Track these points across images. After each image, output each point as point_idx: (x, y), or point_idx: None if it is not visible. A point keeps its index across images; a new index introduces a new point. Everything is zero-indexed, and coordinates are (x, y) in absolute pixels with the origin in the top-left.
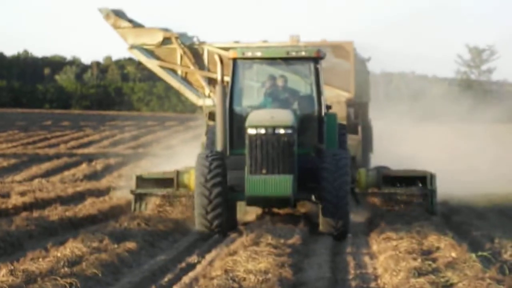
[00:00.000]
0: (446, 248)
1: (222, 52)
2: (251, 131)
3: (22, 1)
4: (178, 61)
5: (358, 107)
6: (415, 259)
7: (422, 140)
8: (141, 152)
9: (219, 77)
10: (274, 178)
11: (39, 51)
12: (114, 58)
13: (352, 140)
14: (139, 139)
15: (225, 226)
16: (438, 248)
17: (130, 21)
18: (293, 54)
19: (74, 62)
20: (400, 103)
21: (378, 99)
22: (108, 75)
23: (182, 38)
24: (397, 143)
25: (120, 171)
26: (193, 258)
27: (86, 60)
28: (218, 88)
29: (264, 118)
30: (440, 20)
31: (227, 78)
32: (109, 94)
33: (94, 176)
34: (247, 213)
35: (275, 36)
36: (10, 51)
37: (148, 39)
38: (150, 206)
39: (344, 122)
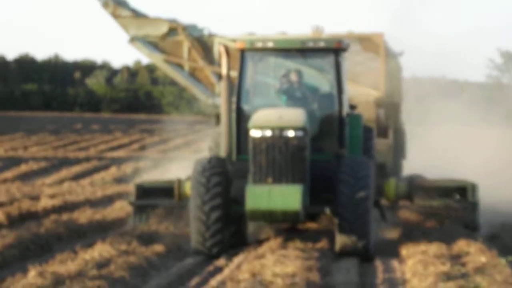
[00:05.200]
0: (476, 252)
1: (231, 44)
2: (255, 133)
3: (53, 5)
4: (185, 55)
5: (389, 108)
6: (444, 263)
7: (462, 146)
8: (171, 155)
9: (224, 71)
10: (281, 189)
11: (69, 55)
12: (144, 62)
13: (382, 145)
14: (168, 143)
15: (225, 250)
16: (467, 253)
17: (132, 10)
18: (310, 45)
19: (105, 66)
20: (433, 108)
21: (410, 103)
22: (138, 79)
23: (190, 29)
24: (434, 149)
25: (149, 175)
26: (220, 262)
27: (116, 64)
28: (222, 83)
29: (270, 118)
30: (471, 23)
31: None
32: (138, 98)
33: (123, 179)
34: (262, 227)
35: (297, 29)
36: (41, 55)
37: (152, 30)
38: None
39: (372, 125)
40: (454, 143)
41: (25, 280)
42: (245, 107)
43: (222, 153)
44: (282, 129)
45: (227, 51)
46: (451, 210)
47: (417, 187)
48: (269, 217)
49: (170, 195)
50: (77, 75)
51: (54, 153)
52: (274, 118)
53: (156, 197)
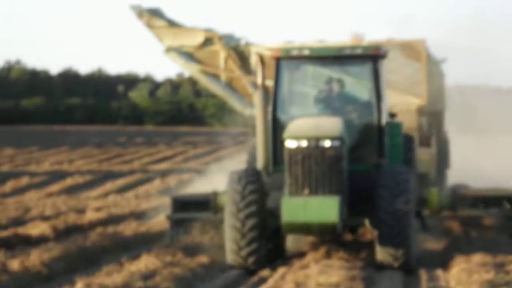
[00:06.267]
0: None
1: (266, 52)
2: (290, 144)
3: (96, 20)
4: (222, 65)
5: (432, 116)
6: (488, 271)
7: (507, 155)
8: (214, 167)
9: (259, 80)
10: (317, 201)
11: (113, 69)
12: (187, 74)
13: (424, 155)
14: (211, 155)
15: (263, 261)
16: None
17: (168, 20)
18: (347, 52)
19: (147, 80)
20: (478, 116)
21: (454, 111)
22: (180, 91)
23: (227, 39)
24: (479, 158)
25: (193, 187)
26: (265, 272)
27: (159, 77)
28: (257, 93)
29: (306, 127)
30: None
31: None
32: (181, 110)
33: (167, 191)
34: (301, 240)
35: (337, 36)
36: (84, 70)
37: (187, 40)
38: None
39: (415, 134)
40: (499, 152)
41: None
42: (282, 117)
43: (258, 165)
44: (318, 139)
45: (262, 60)
46: (496, 220)
47: (460, 197)
48: (306, 230)
49: (207, 208)
50: (120, 88)
51: (99, 167)
52: (310, 127)
53: (193, 210)
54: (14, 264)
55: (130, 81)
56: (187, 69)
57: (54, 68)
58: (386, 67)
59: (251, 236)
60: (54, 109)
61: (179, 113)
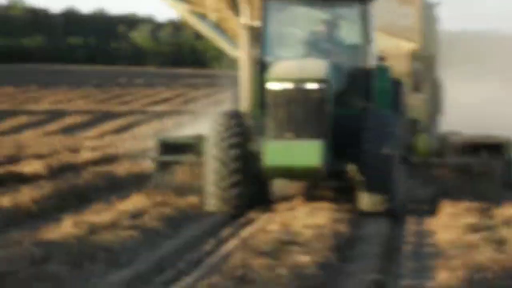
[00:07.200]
0: (506, 205)
1: None
2: (273, 86)
3: None
4: (211, 5)
5: (425, 61)
6: (473, 216)
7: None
8: (212, 110)
9: (244, 20)
10: (301, 144)
11: (114, 9)
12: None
13: (415, 100)
14: (211, 97)
15: (246, 206)
16: (497, 206)
17: None
18: None
19: (149, 20)
20: (479, 65)
21: (459, 58)
22: (182, 33)
23: None
24: (478, 106)
25: (190, 129)
26: (252, 214)
27: (161, 18)
28: (243, 34)
29: (290, 69)
30: None
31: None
32: (183, 51)
33: (164, 133)
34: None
35: None
36: (86, 9)
37: None
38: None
39: (408, 79)
40: (501, 100)
41: (59, 229)
42: (268, 58)
43: (243, 107)
44: (302, 81)
45: None
46: (485, 167)
47: (450, 144)
48: (289, 174)
49: (193, 151)
50: (121, 28)
51: (98, 107)
52: (294, 69)
53: (178, 152)
54: (4, 201)
55: (131, 21)
56: (176, 9)
57: (55, 7)
58: (378, 10)
59: (234, 180)
60: (55, 48)
61: (181, 54)
